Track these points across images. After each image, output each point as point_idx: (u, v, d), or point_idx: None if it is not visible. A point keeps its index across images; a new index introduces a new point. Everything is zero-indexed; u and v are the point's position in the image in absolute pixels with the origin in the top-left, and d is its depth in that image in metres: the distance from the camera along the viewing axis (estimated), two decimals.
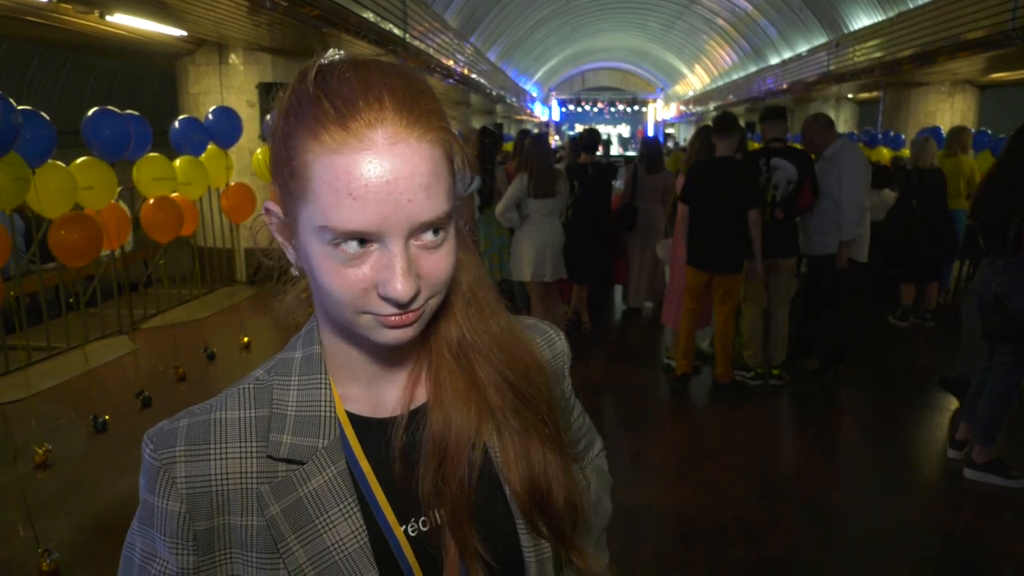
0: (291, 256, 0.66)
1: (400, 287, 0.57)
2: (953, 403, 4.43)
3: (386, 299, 0.58)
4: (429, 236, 0.59)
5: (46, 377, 4.91)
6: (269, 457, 0.66)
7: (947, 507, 3.31)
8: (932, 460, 3.76)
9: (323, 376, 0.69)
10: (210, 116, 6.04)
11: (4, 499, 3.27)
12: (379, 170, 0.55)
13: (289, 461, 0.66)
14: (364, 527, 0.66)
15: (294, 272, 0.68)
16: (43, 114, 4.50)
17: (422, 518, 0.68)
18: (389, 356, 0.70)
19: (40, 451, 3.62)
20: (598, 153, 6.21)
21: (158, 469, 0.64)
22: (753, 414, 4.42)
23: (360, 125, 0.55)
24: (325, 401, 0.68)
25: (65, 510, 3.20)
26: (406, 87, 0.58)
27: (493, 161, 5.45)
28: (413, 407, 0.70)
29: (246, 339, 5.68)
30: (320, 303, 0.66)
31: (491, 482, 0.71)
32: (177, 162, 6.04)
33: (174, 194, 5.90)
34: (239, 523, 0.65)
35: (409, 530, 0.68)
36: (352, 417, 0.69)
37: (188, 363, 5.00)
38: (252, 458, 0.66)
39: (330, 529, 0.65)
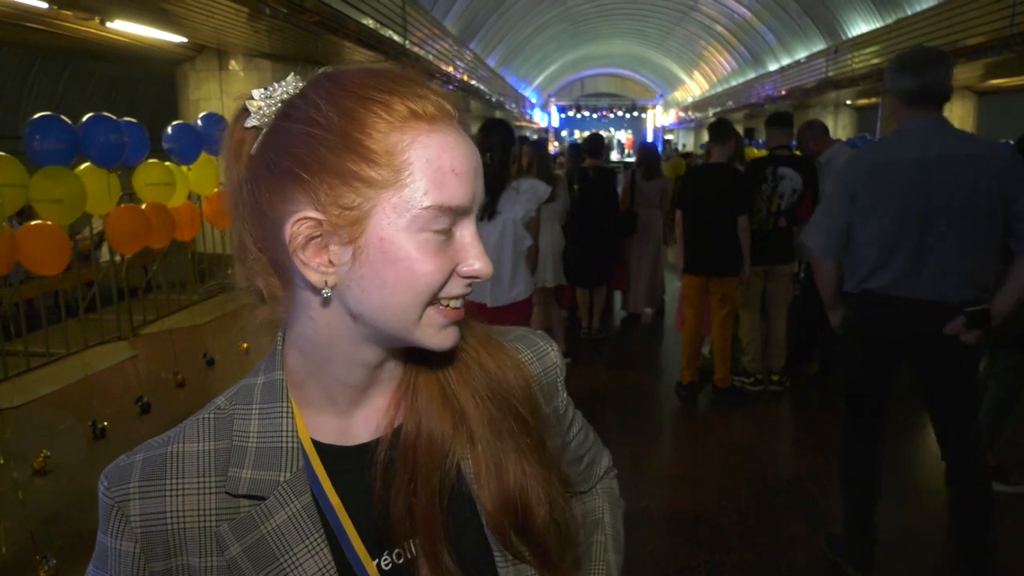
0: (315, 276, 0.58)
1: (482, 263, 0.60)
2: None
3: (471, 276, 0.60)
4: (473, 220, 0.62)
5: (45, 383, 4.90)
6: (228, 493, 0.62)
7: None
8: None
9: (285, 404, 0.64)
10: (199, 123, 6.03)
11: (2, 505, 3.26)
12: (468, 148, 0.60)
13: (250, 497, 0.62)
14: (332, 563, 0.62)
15: (325, 294, 0.59)
16: (64, 118, 4.52)
17: (396, 550, 0.64)
18: (379, 378, 0.66)
19: (39, 457, 3.61)
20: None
21: (111, 508, 0.61)
22: (753, 419, 4.42)
23: (437, 108, 0.59)
24: (287, 431, 0.63)
25: (63, 516, 3.20)
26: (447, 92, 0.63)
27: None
28: (390, 430, 0.67)
29: (245, 345, 5.67)
30: (365, 314, 0.59)
31: (465, 502, 0.66)
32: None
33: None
34: (198, 564, 0.61)
35: (383, 563, 0.64)
36: (320, 446, 0.65)
37: (187, 369, 5.00)
38: (211, 494, 0.62)
39: (296, 568, 0.61)
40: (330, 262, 0.58)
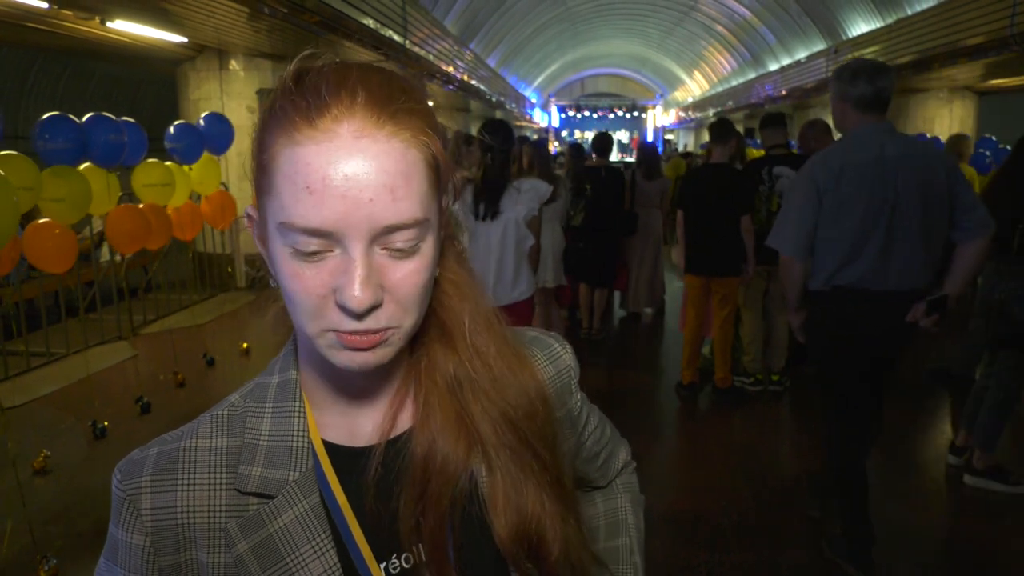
0: (267, 264, 0.61)
1: (357, 294, 0.52)
2: (952, 408, 4.43)
3: (343, 308, 0.54)
4: (398, 243, 0.54)
5: (46, 382, 4.91)
6: (237, 491, 0.62)
7: (947, 513, 3.30)
8: (932, 466, 3.76)
9: (297, 403, 0.64)
10: (201, 122, 6.02)
11: (2, 505, 3.26)
12: (338, 164, 0.52)
13: (259, 495, 0.61)
14: (339, 565, 0.61)
15: (272, 284, 0.62)
16: (73, 117, 4.52)
17: (404, 555, 0.63)
18: (365, 380, 0.64)
19: (39, 457, 3.61)
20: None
21: (123, 500, 0.62)
22: (753, 419, 4.42)
23: (327, 120, 0.53)
24: (298, 430, 0.63)
25: (64, 516, 3.20)
26: (385, 85, 0.56)
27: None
28: (394, 435, 0.65)
29: (245, 344, 5.68)
30: (291, 316, 0.60)
31: (476, 521, 0.65)
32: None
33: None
34: (206, 559, 0.61)
35: (390, 567, 0.63)
36: (329, 446, 0.64)
37: (187, 369, 5.00)
38: (221, 490, 0.62)
39: (302, 568, 0.60)
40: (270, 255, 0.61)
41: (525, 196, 3.35)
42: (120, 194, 5.51)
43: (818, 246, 2.60)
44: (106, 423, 4.04)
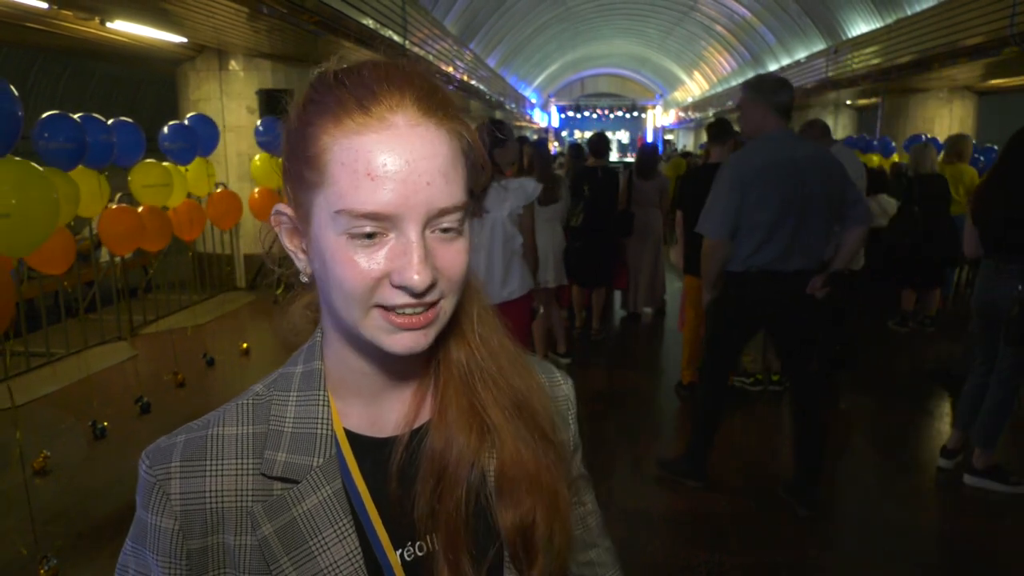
0: (300, 264, 0.64)
1: (416, 275, 0.56)
2: (952, 409, 4.43)
3: (401, 287, 0.57)
4: (445, 227, 0.58)
5: (46, 382, 4.90)
6: (263, 475, 0.64)
7: (947, 513, 3.30)
8: (931, 466, 3.75)
9: (322, 392, 0.67)
10: (186, 123, 6.00)
11: (2, 505, 3.27)
12: (399, 151, 0.55)
13: (284, 479, 0.64)
14: (359, 550, 0.64)
15: (303, 279, 0.65)
16: (74, 116, 4.54)
17: (418, 543, 0.67)
18: (395, 371, 0.67)
19: (39, 457, 3.61)
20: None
21: (153, 485, 0.63)
22: (753, 420, 4.41)
23: (382, 109, 0.56)
24: (323, 418, 0.66)
25: (64, 516, 3.20)
26: (424, 81, 0.60)
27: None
28: (415, 426, 0.68)
29: (245, 345, 5.68)
30: (328, 306, 0.63)
31: (487, 509, 0.68)
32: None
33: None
34: (233, 542, 0.63)
35: (405, 555, 0.66)
36: (351, 435, 0.67)
37: (187, 369, 5.00)
38: (248, 475, 0.64)
39: (324, 551, 0.63)
40: (303, 251, 0.64)
41: (512, 195, 3.33)
42: (119, 194, 5.52)
43: (739, 233, 3.00)
44: (106, 423, 4.04)
